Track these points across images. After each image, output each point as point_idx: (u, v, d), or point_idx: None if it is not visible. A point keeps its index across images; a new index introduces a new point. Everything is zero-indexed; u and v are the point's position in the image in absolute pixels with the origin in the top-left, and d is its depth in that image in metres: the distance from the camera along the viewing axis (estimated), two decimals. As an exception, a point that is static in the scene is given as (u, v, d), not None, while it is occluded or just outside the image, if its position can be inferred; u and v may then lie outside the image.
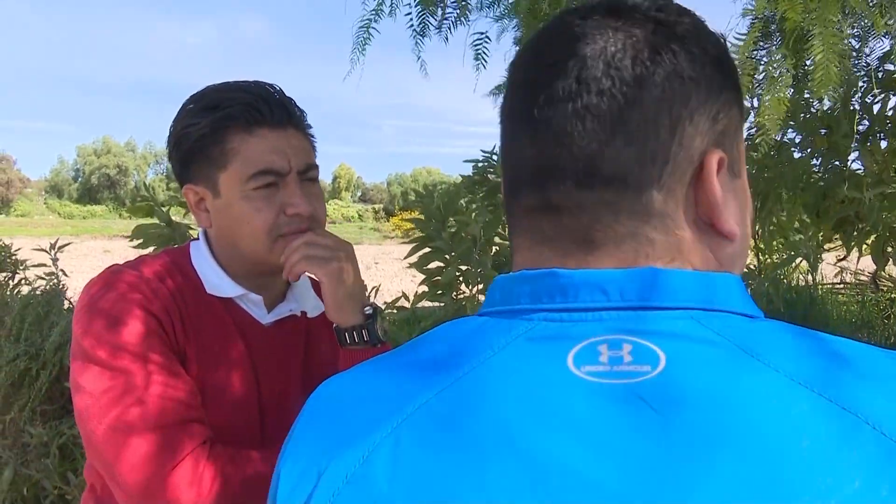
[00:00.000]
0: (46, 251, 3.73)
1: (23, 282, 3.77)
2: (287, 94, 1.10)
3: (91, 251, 23.06)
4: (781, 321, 0.47)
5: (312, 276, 1.11)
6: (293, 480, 0.49)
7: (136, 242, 2.65)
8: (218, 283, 1.10)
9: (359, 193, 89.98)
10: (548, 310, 0.48)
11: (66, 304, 3.40)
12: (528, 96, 0.51)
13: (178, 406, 0.99)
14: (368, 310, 1.08)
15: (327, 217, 1.15)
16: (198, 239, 1.16)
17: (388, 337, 1.10)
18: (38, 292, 3.45)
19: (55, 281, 3.59)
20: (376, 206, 75.55)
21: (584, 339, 0.45)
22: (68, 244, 3.93)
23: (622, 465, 0.39)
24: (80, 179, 73.51)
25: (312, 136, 1.13)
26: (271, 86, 1.09)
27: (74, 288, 3.77)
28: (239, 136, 1.03)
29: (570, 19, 0.52)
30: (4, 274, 3.74)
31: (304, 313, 1.18)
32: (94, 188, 71.81)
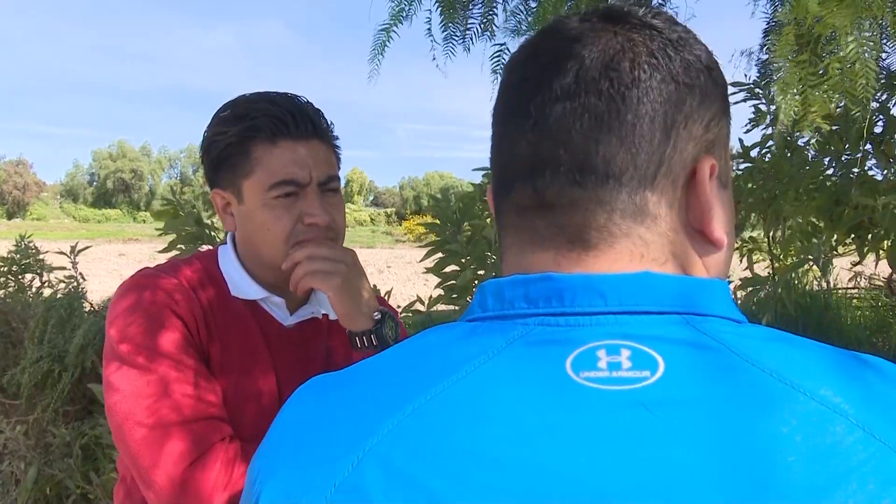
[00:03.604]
0: (66, 255, 3.80)
1: (45, 284, 3.84)
2: (315, 107, 1.14)
3: (106, 254, 23.25)
4: (761, 326, 0.48)
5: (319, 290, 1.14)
6: (280, 492, 0.46)
7: (162, 244, 2.72)
8: (242, 285, 1.14)
9: (371, 197, 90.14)
10: (544, 314, 0.47)
11: (88, 307, 3.46)
12: (524, 94, 0.51)
13: (209, 414, 1.03)
14: (377, 315, 1.11)
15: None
16: (226, 243, 1.20)
17: (398, 340, 1.13)
18: (59, 295, 3.51)
19: (75, 284, 3.65)
20: (388, 210, 75.67)
21: (581, 345, 0.44)
22: (88, 247, 3.99)
23: (622, 472, 0.38)
24: (95, 183, 74.06)
25: (338, 148, 1.17)
26: (299, 98, 1.13)
27: (92, 291, 3.83)
28: (263, 146, 1.07)
29: (567, 23, 0.53)
30: (30, 276, 3.80)
31: (325, 315, 1.22)
32: (109, 192, 72.35)
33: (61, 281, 3.71)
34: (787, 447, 0.38)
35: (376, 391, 0.47)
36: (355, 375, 0.51)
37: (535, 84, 0.51)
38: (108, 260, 21.61)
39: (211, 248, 1.24)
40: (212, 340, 1.10)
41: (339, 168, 1.17)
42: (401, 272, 17.18)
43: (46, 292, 3.71)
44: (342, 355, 1.22)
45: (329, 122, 1.15)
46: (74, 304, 3.36)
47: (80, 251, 3.83)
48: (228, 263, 1.16)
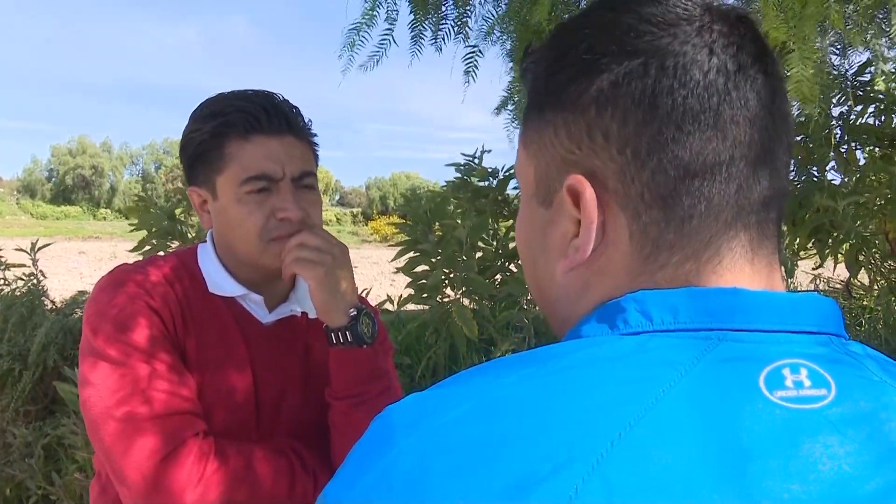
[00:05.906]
0: (27, 251, 3.72)
1: (1, 282, 3.75)
2: (292, 103, 1.14)
3: (65, 252, 22.75)
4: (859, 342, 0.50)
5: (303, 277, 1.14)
6: None
7: (126, 242, 2.67)
8: (220, 282, 1.14)
9: (337, 197, 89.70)
10: (725, 329, 0.45)
11: (50, 306, 3.39)
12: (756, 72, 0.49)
13: (183, 409, 1.03)
14: (353, 311, 1.11)
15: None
16: (205, 241, 1.20)
17: (375, 338, 1.13)
18: (17, 293, 3.43)
19: (35, 282, 3.58)
20: (354, 210, 75.38)
21: (768, 363, 0.43)
22: (49, 244, 3.91)
23: (845, 492, 0.38)
24: (53, 179, 72.44)
25: (315, 145, 1.17)
26: (276, 95, 1.13)
27: (51, 290, 3.75)
28: (236, 142, 1.07)
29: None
30: (-16, 273, 3.70)
31: (304, 314, 1.22)
32: (68, 188, 70.84)
33: (19, 278, 3.63)
34: None
35: (558, 412, 0.41)
36: (519, 395, 0.43)
37: (751, 72, 0.49)
38: (67, 258, 21.14)
39: (183, 245, 1.23)
40: (188, 336, 1.10)
41: (317, 165, 1.17)
42: (367, 272, 17.10)
43: (3, 290, 3.62)
44: (320, 353, 1.22)
45: (306, 120, 1.15)
46: (35, 303, 3.30)
47: (40, 248, 3.75)
48: (208, 261, 1.16)
